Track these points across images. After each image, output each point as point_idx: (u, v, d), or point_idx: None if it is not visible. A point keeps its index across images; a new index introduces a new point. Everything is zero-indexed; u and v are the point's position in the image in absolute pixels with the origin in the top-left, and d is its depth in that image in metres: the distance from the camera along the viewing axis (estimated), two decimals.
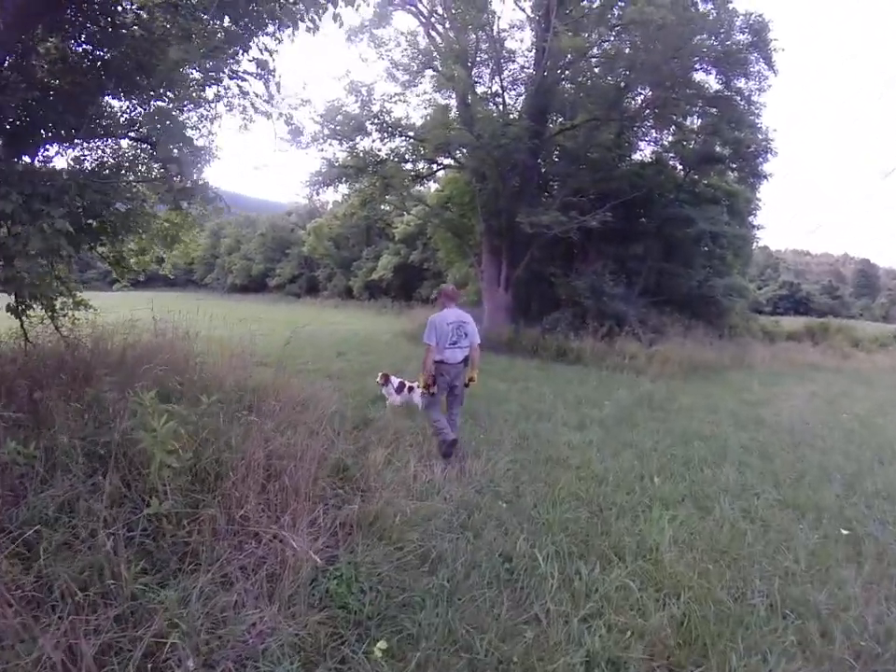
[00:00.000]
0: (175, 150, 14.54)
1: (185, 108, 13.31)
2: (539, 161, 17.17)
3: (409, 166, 19.68)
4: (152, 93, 8.55)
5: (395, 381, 7.86)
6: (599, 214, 14.82)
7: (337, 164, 18.15)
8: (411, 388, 7.75)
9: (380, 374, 8.01)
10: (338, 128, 16.92)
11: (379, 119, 17.39)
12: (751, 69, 16.06)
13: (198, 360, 7.09)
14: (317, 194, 18.75)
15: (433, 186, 23.13)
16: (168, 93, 12.26)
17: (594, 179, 16.65)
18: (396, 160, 18.42)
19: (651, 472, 5.89)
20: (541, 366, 13.20)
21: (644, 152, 19.90)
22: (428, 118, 17.28)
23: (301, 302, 42.26)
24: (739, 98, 16.49)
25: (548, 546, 3.95)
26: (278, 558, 3.25)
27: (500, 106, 16.22)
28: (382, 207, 23.42)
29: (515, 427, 7.34)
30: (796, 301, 64.85)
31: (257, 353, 12.22)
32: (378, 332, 20.77)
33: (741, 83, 16.44)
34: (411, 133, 17.83)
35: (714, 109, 16.49)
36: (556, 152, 18.39)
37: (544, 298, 18.84)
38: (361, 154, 18.06)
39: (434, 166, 19.95)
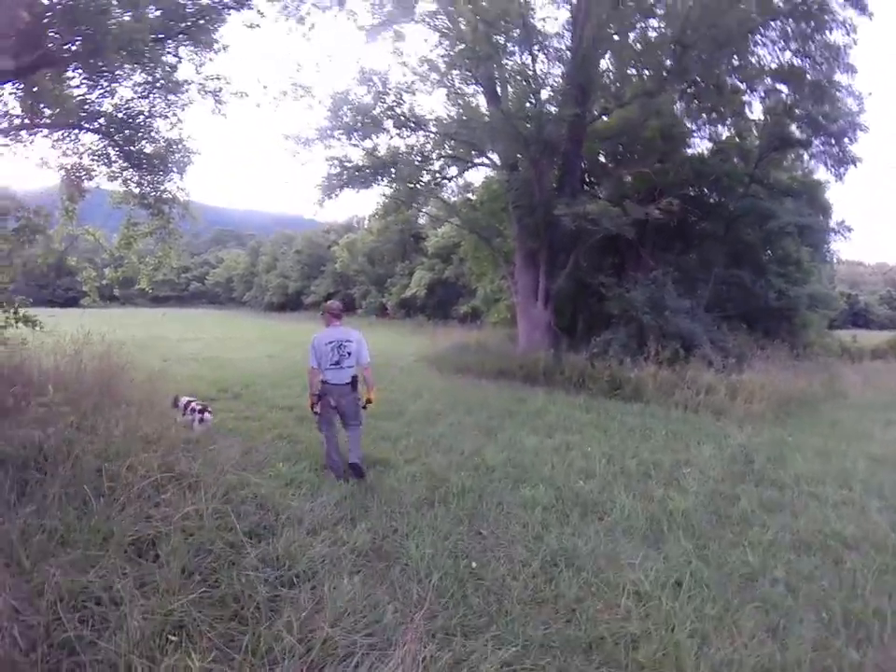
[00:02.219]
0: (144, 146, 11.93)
1: (151, 94, 11.23)
2: (580, 149, 14.25)
3: (435, 166, 17.17)
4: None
5: (182, 401, 7.28)
6: (660, 203, 11.76)
7: (350, 164, 15.75)
8: (200, 410, 6.89)
9: (171, 397, 7.59)
10: (347, 121, 14.55)
11: (396, 112, 14.94)
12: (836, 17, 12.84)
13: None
14: (330, 198, 16.25)
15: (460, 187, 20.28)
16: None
17: (646, 168, 13.68)
18: (418, 158, 15.87)
19: None
20: (589, 405, 10.14)
21: (701, 139, 16.77)
22: (454, 112, 14.82)
23: None
24: (819, 59, 13.26)
25: None
26: None
27: (532, 82, 13.31)
28: (409, 213, 20.85)
29: (538, 542, 4.38)
30: (854, 313, 58.88)
31: (228, 381, 11.53)
32: (400, 355, 18.17)
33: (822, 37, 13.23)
34: (433, 129, 15.33)
35: (784, 86, 13.40)
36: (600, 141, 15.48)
37: (591, 314, 15.86)
38: (377, 152, 15.66)
39: (462, 165, 17.30)
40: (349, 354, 5.61)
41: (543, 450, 7.04)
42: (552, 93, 13.31)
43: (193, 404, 7.14)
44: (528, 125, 12.58)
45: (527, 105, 12.93)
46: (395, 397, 10.40)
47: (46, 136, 10.70)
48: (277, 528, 4.21)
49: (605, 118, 14.86)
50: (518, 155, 13.83)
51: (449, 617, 3.29)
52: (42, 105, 9.63)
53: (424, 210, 20.72)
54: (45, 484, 4.27)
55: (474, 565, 3.94)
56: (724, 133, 16.40)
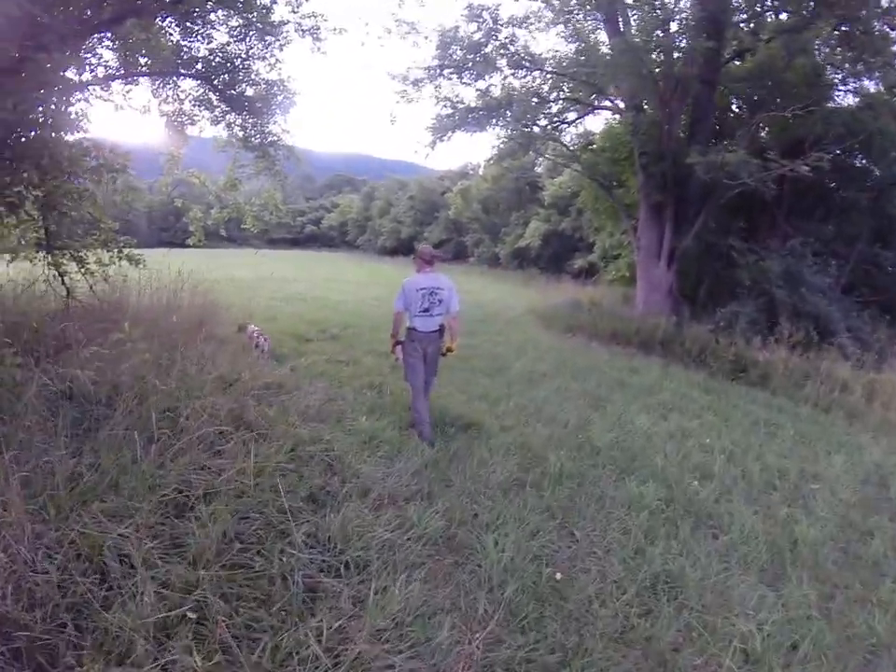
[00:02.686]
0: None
1: (248, 36, 10.96)
2: (713, 93, 12.39)
3: (553, 109, 15.86)
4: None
5: (249, 329, 7.84)
6: (809, 158, 9.91)
7: (462, 105, 14.82)
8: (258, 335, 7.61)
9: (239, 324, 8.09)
10: (457, 59, 13.58)
11: (510, 50, 13.75)
12: None
13: None
14: (442, 141, 15.42)
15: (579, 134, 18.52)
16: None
17: (790, 116, 11.63)
18: (535, 100, 14.61)
19: None
20: (709, 385, 8.93)
21: (846, 94, 13.98)
22: (572, 48, 13.42)
23: (445, 268, 39.50)
24: None
25: None
26: None
27: (660, 11, 11.46)
28: (525, 159, 19.61)
29: (639, 558, 3.60)
30: None
31: (330, 321, 11.34)
32: (509, 307, 17.47)
33: None
34: (549, 68, 14.01)
35: None
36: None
37: (716, 281, 14.20)
38: (490, 93, 14.62)
39: (581, 109, 15.80)
40: (440, 301, 5.35)
41: (656, 434, 6.12)
42: (681, 27, 11.56)
43: (256, 332, 7.65)
44: (657, 58, 11.01)
45: (655, 36, 11.29)
46: (499, 350, 9.81)
47: (143, 85, 10.80)
48: (339, 498, 3.73)
49: (737, 62, 12.84)
50: (644, 95, 12.23)
51: (516, 647, 2.64)
52: (137, 55, 9.53)
53: (541, 157, 19.36)
54: (112, 422, 3.98)
55: (559, 577, 3.26)
56: (871, 87, 13.63)
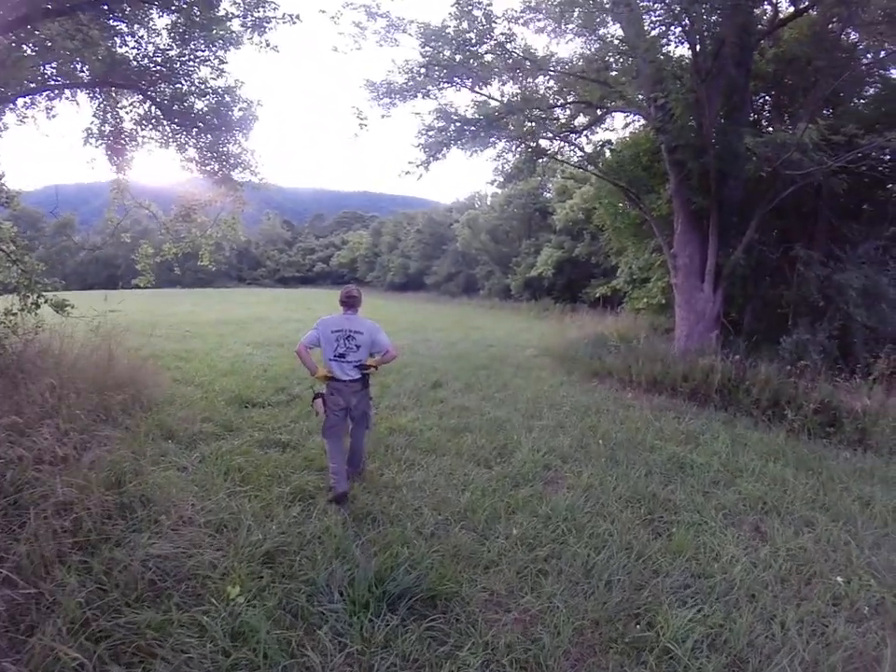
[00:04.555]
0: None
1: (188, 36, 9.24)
2: (748, 76, 10.05)
3: (561, 118, 13.75)
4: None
5: None
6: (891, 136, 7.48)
7: (456, 116, 12.70)
8: None
9: None
10: (446, 60, 11.49)
11: (507, 49, 11.68)
12: None
13: None
14: (436, 159, 13.21)
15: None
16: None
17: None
18: (538, 108, 12.47)
19: None
20: (799, 455, 6.23)
21: None
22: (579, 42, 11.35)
23: (454, 302, 38.42)
24: None
25: None
26: None
27: None
28: (533, 180, 17.38)
29: None
30: None
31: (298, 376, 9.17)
32: (519, 346, 15.12)
33: None
34: (553, 71, 11.96)
35: None
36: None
37: (764, 304, 11.74)
38: (488, 102, 12.53)
39: (592, 113, 13.58)
40: (357, 347, 4.78)
41: (759, 582, 3.67)
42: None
43: None
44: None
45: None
46: (502, 415, 7.42)
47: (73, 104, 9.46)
48: None
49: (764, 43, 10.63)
50: (669, 83, 9.91)
51: None
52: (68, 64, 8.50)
53: (551, 178, 17.05)
54: None
55: None
56: None
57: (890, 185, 11.54)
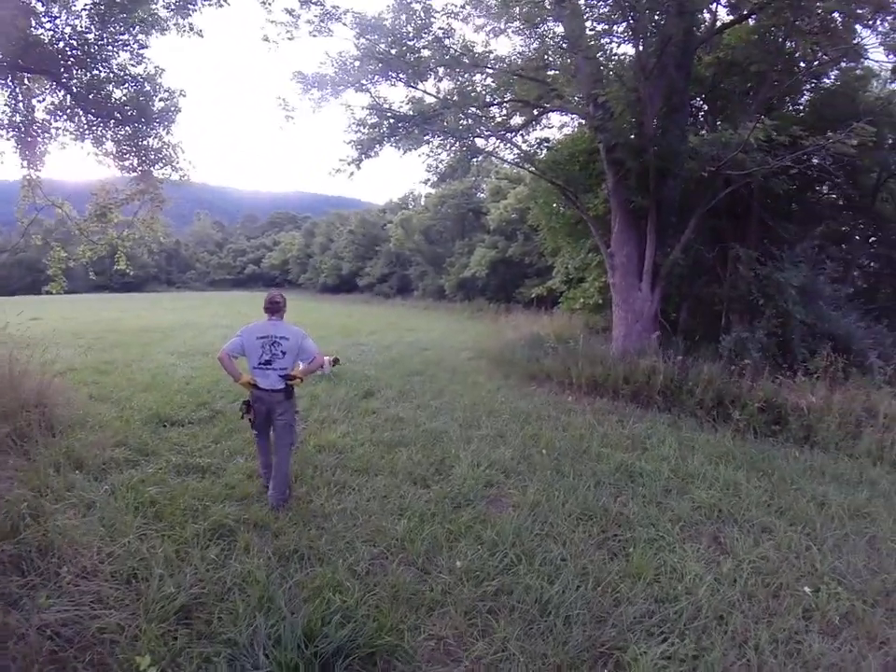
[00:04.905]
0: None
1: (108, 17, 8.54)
2: (687, 78, 10.07)
3: (497, 117, 13.54)
4: None
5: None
6: (851, 129, 7.58)
7: (389, 113, 12.26)
8: None
9: None
10: (381, 53, 11.03)
11: (445, 45, 11.35)
12: None
13: None
14: (368, 156, 12.68)
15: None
16: None
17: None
18: (474, 106, 12.19)
19: None
20: (750, 457, 6.15)
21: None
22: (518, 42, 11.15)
23: (388, 304, 37.88)
24: None
25: None
26: None
27: None
28: (467, 179, 17.07)
29: None
30: None
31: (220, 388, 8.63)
32: (454, 348, 14.79)
33: None
34: (492, 68, 11.73)
35: None
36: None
37: (699, 302, 11.99)
38: (423, 98, 12.17)
39: (529, 112, 13.42)
40: (283, 353, 4.63)
41: (728, 602, 3.45)
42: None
43: None
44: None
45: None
46: (439, 426, 7.01)
47: None
48: None
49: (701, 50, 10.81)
50: (608, 86, 9.84)
51: None
52: None
53: (485, 178, 16.76)
54: None
55: None
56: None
57: (818, 187, 12.03)
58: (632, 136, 9.55)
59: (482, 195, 35.78)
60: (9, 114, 8.77)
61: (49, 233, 11.15)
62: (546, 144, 13.63)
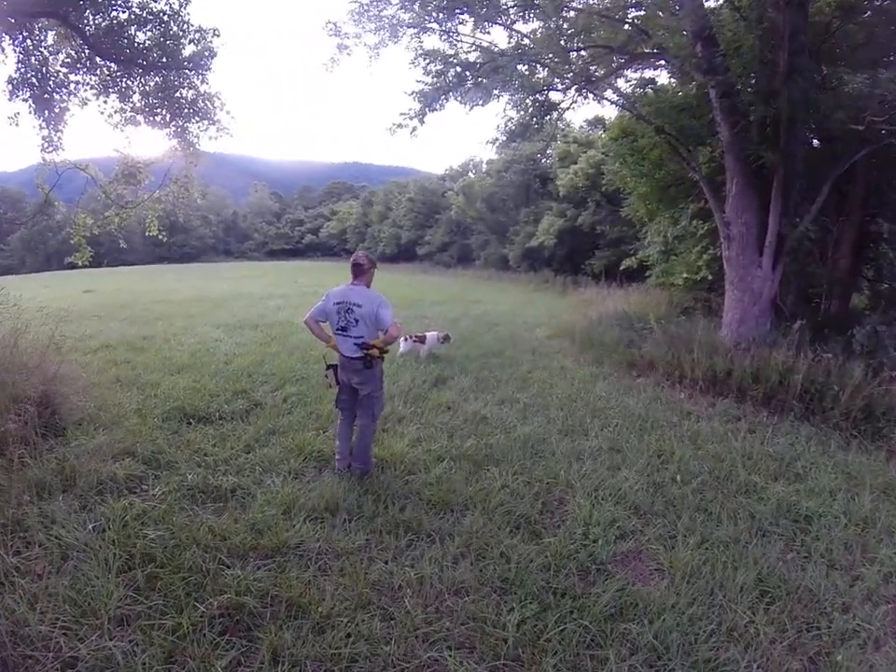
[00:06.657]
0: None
1: None
2: (805, 18, 7.96)
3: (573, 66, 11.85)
4: None
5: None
6: None
7: (454, 60, 10.90)
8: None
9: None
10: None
11: None
12: None
13: None
14: (433, 110, 11.32)
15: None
16: None
17: None
18: (550, 55, 10.59)
19: None
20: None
21: None
22: None
23: (449, 273, 36.82)
24: None
25: None
26: None
27: None
28: (539, 139, 15.32)
29: None
30: None
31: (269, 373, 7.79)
32: (527, 325, 13.49)
33: None
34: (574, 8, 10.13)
35: None
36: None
37: (807, 283, 10.29)
38: (492, 45, 10.73)
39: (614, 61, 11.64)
40: (356, 321, 4.35)
41: None
42: None
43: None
44: None
45: None
46: (531, 431, 5.71)
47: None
48: None
49: None
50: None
51: None
52: None
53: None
54: None
55: None
56: None
57: None
58: (761, 77, 7.74)
59: (547, 161, 33.74)
60: (22, 70, 7.83)
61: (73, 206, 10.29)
62: (653, 86, 11.88)
